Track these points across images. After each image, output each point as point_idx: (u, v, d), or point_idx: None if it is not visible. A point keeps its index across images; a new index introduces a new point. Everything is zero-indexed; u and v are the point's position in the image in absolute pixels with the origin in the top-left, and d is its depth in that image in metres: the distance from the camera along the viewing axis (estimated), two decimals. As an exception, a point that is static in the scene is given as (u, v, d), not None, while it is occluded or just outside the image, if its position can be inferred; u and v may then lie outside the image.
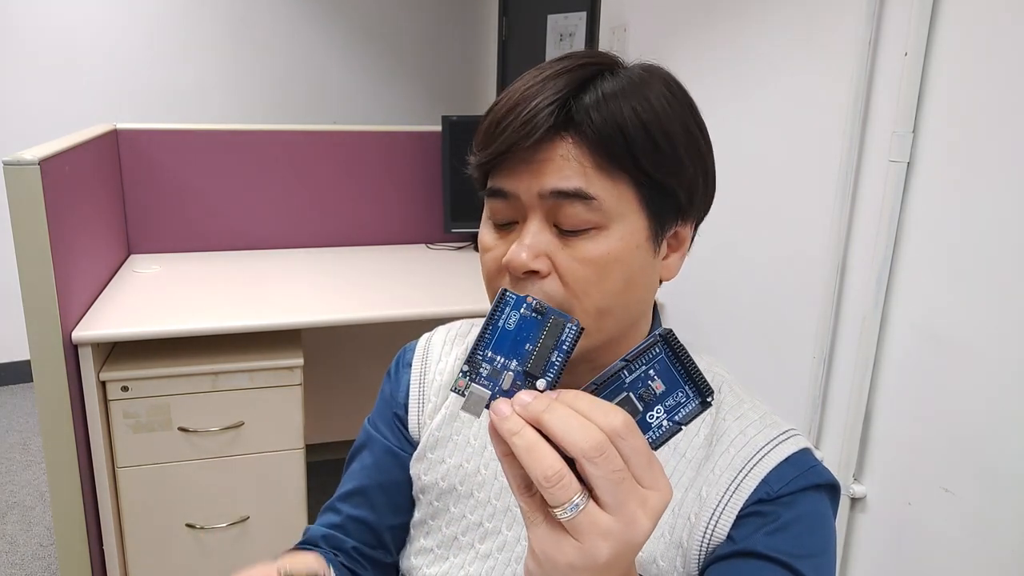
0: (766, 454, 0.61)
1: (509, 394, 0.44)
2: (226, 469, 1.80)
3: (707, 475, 0.62)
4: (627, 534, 0.39)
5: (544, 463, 0.39)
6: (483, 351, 0.45)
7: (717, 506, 0.60)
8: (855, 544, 1.39)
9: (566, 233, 0.57)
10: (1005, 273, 1.09)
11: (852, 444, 1.36)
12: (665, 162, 0.57)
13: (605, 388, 0.43)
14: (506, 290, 0.46)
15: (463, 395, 0.44)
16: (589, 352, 0.60)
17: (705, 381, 0.43)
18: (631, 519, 0.39)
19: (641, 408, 0.43)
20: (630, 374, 0.43)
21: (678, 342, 0.43)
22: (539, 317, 0.45)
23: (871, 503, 1.35)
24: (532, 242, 0.56)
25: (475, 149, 0.60)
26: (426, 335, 0.82)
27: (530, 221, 0.57)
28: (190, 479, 1.78)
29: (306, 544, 0.78)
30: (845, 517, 1.38)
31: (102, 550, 1.73)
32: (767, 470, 0.60)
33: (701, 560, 0.60)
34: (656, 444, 0.43)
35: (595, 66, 0.58)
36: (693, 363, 0.43)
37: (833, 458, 1.41)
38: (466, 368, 0.45)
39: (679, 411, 0.43)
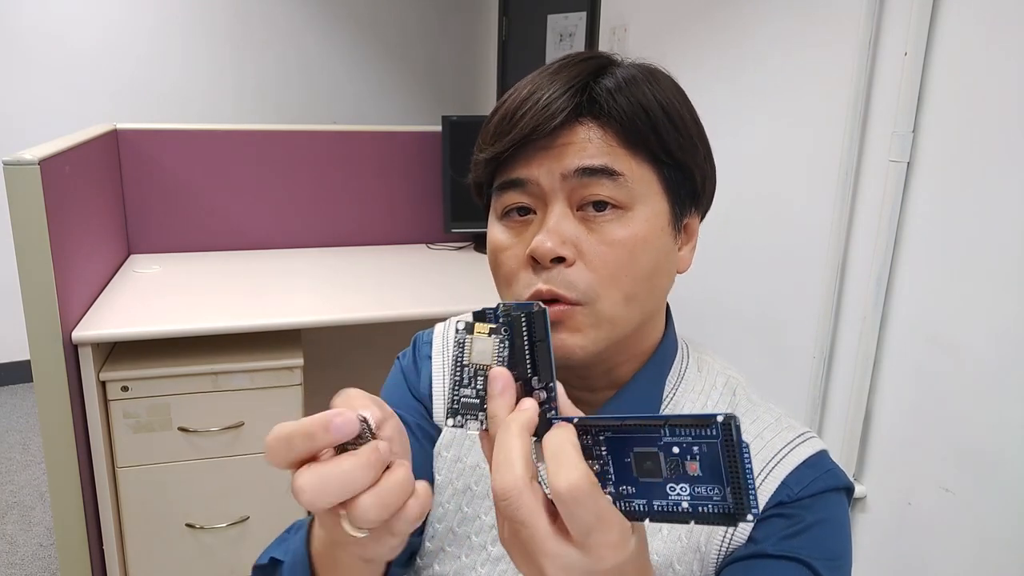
0: (784, 456, 0.61)
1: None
2: (226, 469, 1.80)
3: None
4: (525, 566, 0.40)
5: (502, 471, 0.39)
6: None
7: None
8: (855, 544, 1.38)
9: (590, 218, 0.56)
10: (1004, 273, 1.09)
11: (852, 444, 1.36)
12: (683, 143, 0.58)
13: (636, 432, 0.38)
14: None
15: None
16: (606, 350, 0.58)
17: (751, 495, 0.36)
18: (528, 560, 0.39)
19: (667, 475, 0.38)
20: (670, 435, 0.37)
21: (739, 435, 0.36)
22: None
23: (871, 503, 1.35)
24: (558, 228, 0.55)
25: (484, 144, 0.59)
26: (441, 325, 0.78)
27: (552, 208, 0.56)
28: (190, 479, 1.77)
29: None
30: (845, 517, 1.38)
31: (102, 550, 1.73)
32: (786, 472, 0.60)
33: (719, 563, 0.60)
34: (657, 518, 0.38)
35: (597, 59, 0.59)
36: (747, 468, 0.36)
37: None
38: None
39: (704, 505, 0.37)
